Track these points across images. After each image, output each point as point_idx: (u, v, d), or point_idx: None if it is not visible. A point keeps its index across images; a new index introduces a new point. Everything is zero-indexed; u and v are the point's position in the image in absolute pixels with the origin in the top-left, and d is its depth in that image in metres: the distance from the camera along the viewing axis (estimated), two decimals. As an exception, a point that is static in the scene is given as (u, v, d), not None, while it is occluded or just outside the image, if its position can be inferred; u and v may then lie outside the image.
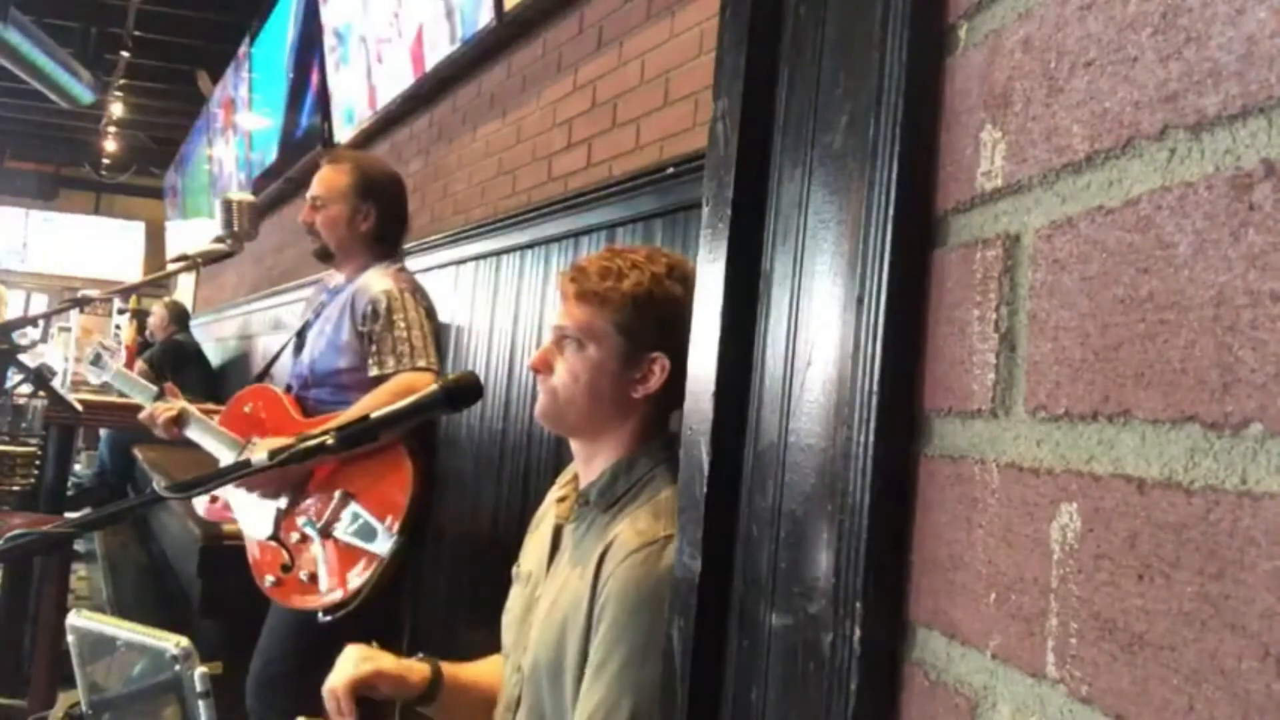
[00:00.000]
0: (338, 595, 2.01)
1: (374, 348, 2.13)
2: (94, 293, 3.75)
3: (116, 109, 8.93)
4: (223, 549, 3.00)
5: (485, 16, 2.98)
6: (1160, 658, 0.40)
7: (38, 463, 4.24)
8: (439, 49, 3.35)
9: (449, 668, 1.33)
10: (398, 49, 3.68)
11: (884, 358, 0.58)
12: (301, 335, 2.38)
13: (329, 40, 4.63)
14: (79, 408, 3.83)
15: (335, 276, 2.42)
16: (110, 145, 10.61)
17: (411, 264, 3.49)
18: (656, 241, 2.10)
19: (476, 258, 3.16)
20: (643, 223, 2.19)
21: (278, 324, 6.12)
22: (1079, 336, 0.47)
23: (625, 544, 1.11)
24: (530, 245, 2.78)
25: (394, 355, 2.11)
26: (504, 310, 2.93)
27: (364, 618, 2.00)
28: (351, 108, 4.41)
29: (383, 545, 1.99)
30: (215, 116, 7.87)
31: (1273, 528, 0.36)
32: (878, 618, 0.57)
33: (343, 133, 4.57)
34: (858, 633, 0.57)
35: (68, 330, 10.13)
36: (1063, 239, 0.49)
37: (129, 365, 6.55)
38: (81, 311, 9.56)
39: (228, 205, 2.59)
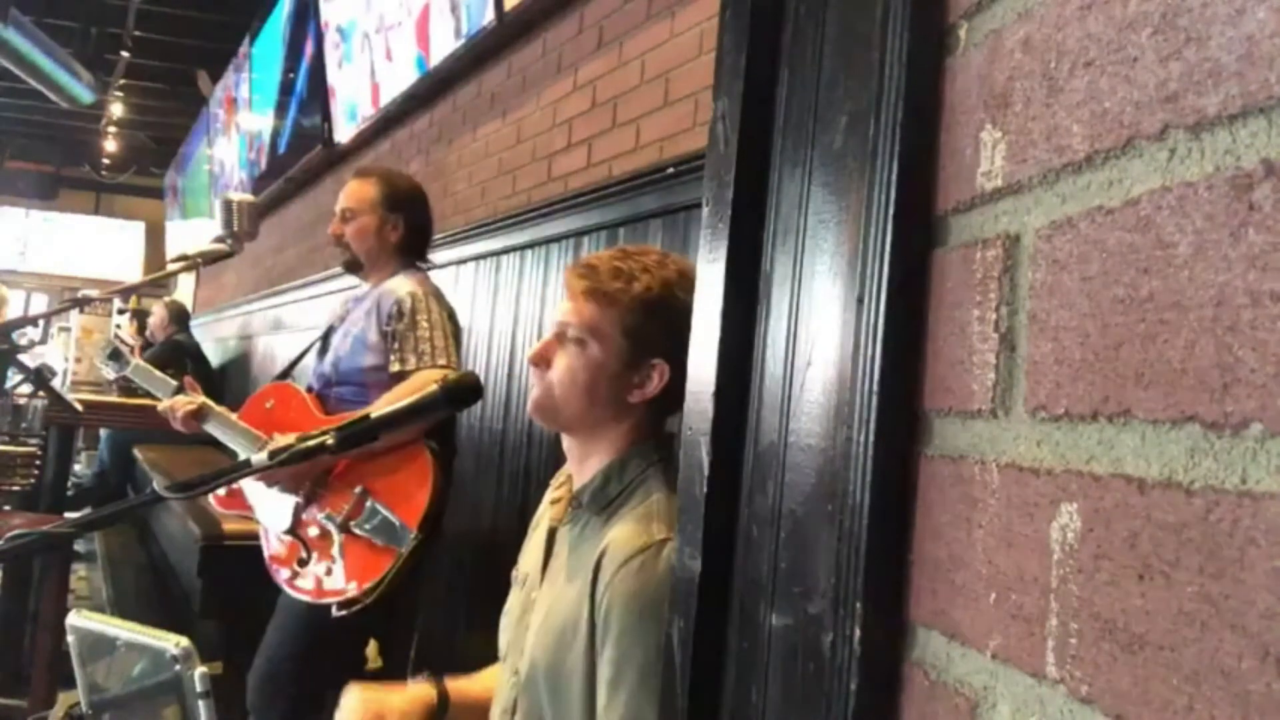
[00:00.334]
0: (354, 590, 2.02)
1: (396, 344, 2.18)
2: (94, 293, 3.76)
3: (116, 109, 8.94)
4: (223, 549, 3.01)
5: (486, 16, 2.98)
6: (1160, 658, 0.40)
7: (38, 463, 4.24)
8: (444, 43, 3.35)
9: (455, 686, 1.32)
10: (404, 33, 3.67)
11: (884, 358, 0.58)
12: (326, 339, 2.43)
13: (331, 38, 4.62)
14: (79, 408, 3.83)
15: (361, 288, 2.47)
16: (110, 145, 10.61)
17: (411, 264, 3.50)
18: (656, 242, 2.10)
19: (476, 258, 3.16)
20: (643, 223, 2.19)
21: (278, 324, 6.12)
22: (1079, 336, 0.47)
23: (620, 551, 1.10)
24: (530, 245, 2.78)
25: (415, 353, 2.16)
26: (504, 310, 2.93)
27: (375, 614, 2.02)
28: (354, 105, 4.40)
29: (402, 541, 2.01)
30: (215, 116, 7.87)
31: (1273, 528, 0.36)
32: (878, 618, 0.57)
33: (344, 131, 4.56)
34: (858, 633, 0.57)
35: (68, 330, 10.13)
36: (1063, 239, 0.49)
37: (121, 377, 6.55)
38: (81, 311, 9.56)
39: (228, 205, 2.59)
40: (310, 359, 2.49)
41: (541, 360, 1.23)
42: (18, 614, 3.06)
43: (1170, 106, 0.43)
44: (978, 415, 0.53)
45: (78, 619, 1.16)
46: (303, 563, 2.12)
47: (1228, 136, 0.40)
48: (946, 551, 0.55)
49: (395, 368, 2.16)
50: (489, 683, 1.37)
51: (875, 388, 0.58)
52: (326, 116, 4.71)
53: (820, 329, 0.65)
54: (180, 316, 6.98)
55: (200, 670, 1.03)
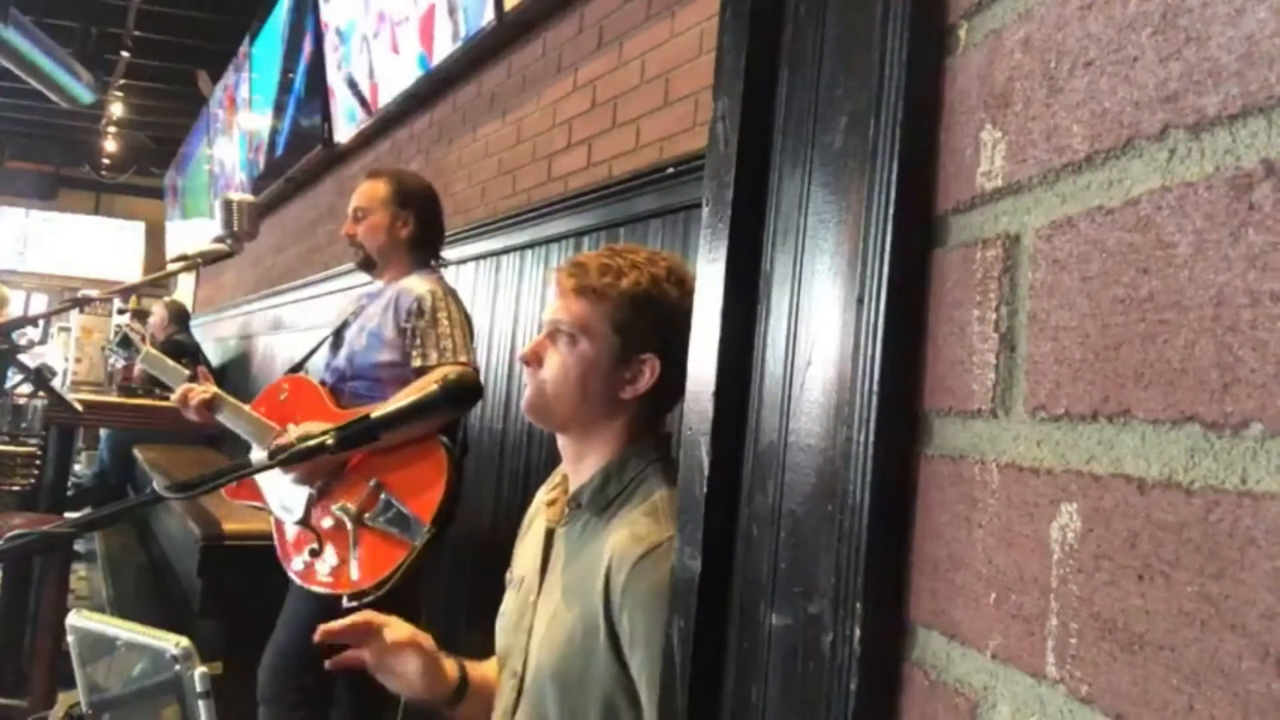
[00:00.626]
0: (366, 582, 2.03)
1: (417, 341, 2.21)
2: (94, 293, 3.76)
3: (116, 109, 8.93)
4: (223, 549, 3.01)
5: (486, 16, 2.98)
6: (1160, 658, 0.40)
7: (38, 463, 4.24)
8: (443, 44, 3.35)
9: (474, 671, 1.32)
10: (409, 30, 3.66)
11: (884, 358, 0.58)
12: (339, 334, 2.44)
13: (330, 40, 4.63)
14: (79, 408, 3.83)
15: (374, 285, 2.49)
16: (110, 145, 10.60)
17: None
18: (656, 242, 2.10)
19: (476, 258, 3.16)
20: (642, 223, 2.19)
21: (278, 324, 6.12)
22: (1079, 336, 0.47)
23: (631, 551, 1.10)
24: (530, 245, 2.79)
25: (437, 349, 2.18)
26: (504, 310, 2.93)
27: (383, 607, 2.03)
28: (353, 106, 4.41)
29: (415, 535, 2.02)
30: (215, 116, 7.86)
31: (1273, 528, 0.36)
32: (878, 618, 0.57)
33: (343, 132, 4.56)
34: (858, 633, 0.57)
35: (68, 330, 10.13)
36: (1063, 239, 0.49)
37: (130, 364, 6.55)
38: (81, 311, 9.56)
39: (228, 205, 2.60)
40: (322, 353, 2.50)
41: (534, 359, 1.23)
42: (18, 614, 3.06)
43: (1170, 106, 0.43)
44: (978, 415, 0.53)
45: (78, 619, 1.16)
46: (314, 553, 2.14)
47: (1228, 136, 0.40)
48: (946, 551, 0.55)
49: (417, 363, 2.19)
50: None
51: (875, 388, 0.58)
52: (326, 116, 4.71)
53: (820, 329, 0.65)
54: (180, 316, 6.98)
55: (200, 670, 1.03)
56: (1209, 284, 0.40)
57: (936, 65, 0.60)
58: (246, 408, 2.36)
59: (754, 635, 0.68)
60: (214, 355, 7.58)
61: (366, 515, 2.09)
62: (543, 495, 1.35)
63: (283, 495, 2.22)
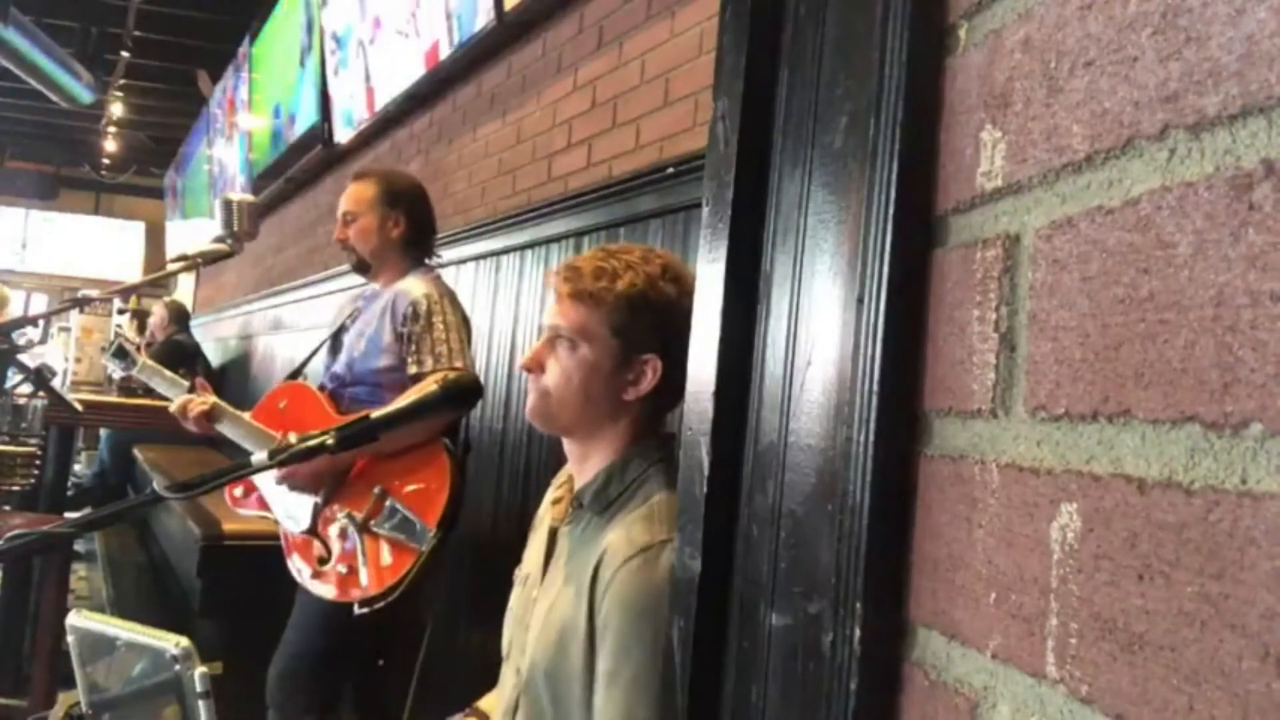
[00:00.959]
0: (376, 589, 2.04)
1: (413, 347, 2.19)
2: (94, 293, 3.75)
3: (116, 109, 8.93)
4: (223, 549, 3.01)
5: (485, 17, 2.98)
6: (1160, 658, 0.40)
7: (38, 463, 4.24)
8: (442, 45, 3.36)
9: (492, 708, 1.32)
10: (412, 45, 3.67)
11: (884, 358, 0.58)
12: (337, 338, 2.43)
13: (328, 44, 4.64)
14: (79, 408, 3.83)
15: (371, 287, 2.48)
16: (110, 145, 10.60)
17: (411, 264, 3.50)
18: (656, 242, 2.10)
19: (476, 258, 3.16)
20: (642, 223, 2.19)
21: (278, 324, 6.12)
22: (1079, 336, 0.47)
23: (621, 551, 1.11)
24: (530, 245, 2.79)
25: (432, 355, 2.17)
26: (504, 310, 2.93)
27: (388, 616, 2.03)
28: (350, 110, 4.42)
29: (422, 540, 2.02)
30: (215, 116, 7.86)
31: (1273, 528, 0.36)
32: (878, 618, 0.57)
33: (343, 134, 4.57)
34: (858, 633, 0.57)
35: (68, 330, 10.13)
36: (1063, 239, 0.49)
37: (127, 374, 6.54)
38: (81, 311, 9.56)
39: (228, 205, 2.59)
40: (320, 357, 2.49)
41: (535, 366, 1.23)
42: (18, 614, 3.06)
43: (1170, 106, 0.43)
44: (978, 415, 0.53)
45: (78, 619, 1.16)
46: (323, 561, 2.14)
47: (1228, 136, 0.40)
48: (946, 551, 0.55)
49: (413, 370, 2.17)
50: None
51: (875, 388, 0.58)
52: (327, 116, 4.71)
53: (820, 329, 0.65)
54: (180, 316, 6.98)
55: (200, 670, 1.03)
56: (1209, 284, 0.40)
57: (936, 65, 0.60)
58: (246, 416, 2.34)
59: (754, 635, 0.68)
60: (214, 355, 7.58)
61: (373, 522, 2.09)
62: (550, 494, 1.36)
63: (288, 505, 2.21)
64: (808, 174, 0.69)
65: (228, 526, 3.06)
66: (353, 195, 2.39)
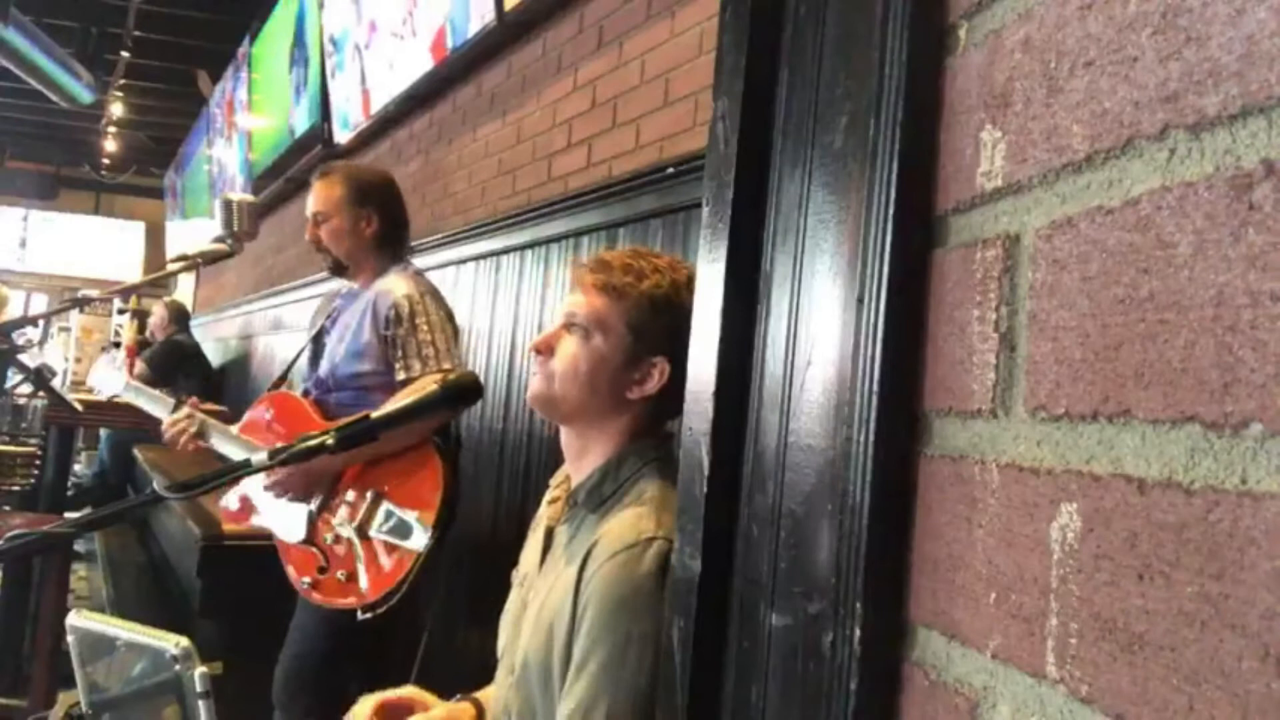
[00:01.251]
0: (376, 593, 2.03)
1: (399, 352, 2.16)
2: (94, 293, 3.76)
3: (116, 109, 8.93)
4: (223, 549, 3.00)
5: (484, 18, 2.98)
6: (1160, 658, 0.40)
7: (38, 463, 4.24)
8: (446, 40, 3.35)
9: (489, 700, 1.33)
10: (409, 45, 3.66)
11: (884, 358, 0.58)
12: (318, 342, 2.40)
13: (326, 47, 4.66)
14: (79, 408, 3.83)
15: (348, 285, 2.45)
16: (110, 145, 10.60)
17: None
18: (656, 242, 2.10)
19: (476, 258, 3.16)
20: (642, 223, 2.19)
21: (278, 324, 6.12)
22: (1079, 336, 0.47)
23: (608, 546, 1.12)
24: (530, 245, 2.78)
25: (419, 359, 2.14)
26: (504, 310, 2.93)
27: (390, 615, 2.03)
28: (346, 113, 4.44)
29: (419, 541, 2.01)
30: (215, 116, 7.86)
31: (1273, 528, 0.36)
32: (878, 618, 0.57)
33: (342, 134, 4.57)
34: (858, 633, 0.57)
35: (68, 330, 10.13)
36: (1063, 239, 0.49)
37: (129, 365, 6.54)
38: (81, 311, 9.57)
39: (228, 205, 2.59)
40: (303, 362, 2.46)
41: (545, 349, 1.24)
42: (18, 614, 3.06)
43: (1170, 106, 0.43)
44: (978, 415, 0.53)
45: (78, 619, 1.16)
46: (322, 570, 2.13)
47: (1228, 136, 0.40)
48: (946, 551, 0.55)
49: (401, 375, 2.15)
50: None
51: (875, 388, 0.58)
52: (326, 116, 4.72)
53: (820, 329, 0.65)
54: (180, 316, 6.98)
55: (200, 670, 1.03)
56: (1209, 284, 0.40)
57: (936, 65, 0.60)
58: (234, 430, 2.31)
59: (754, 635, 0.68)
60: (214, 355, 7.58)
61: (369, 527, 2.08)
62: (548, 494, 1.36)
63: (283, 516, 2.20)
64: (808, 174, 0.69)
65: (228, 526, 3.06)
66: (321, 195, 2.33)
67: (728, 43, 0.80)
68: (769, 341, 0.72)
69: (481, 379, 1.34)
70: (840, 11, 0.68)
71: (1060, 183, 0.49)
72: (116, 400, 2.77)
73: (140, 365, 6.32)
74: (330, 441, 1.19)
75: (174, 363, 6.35)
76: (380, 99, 3.98)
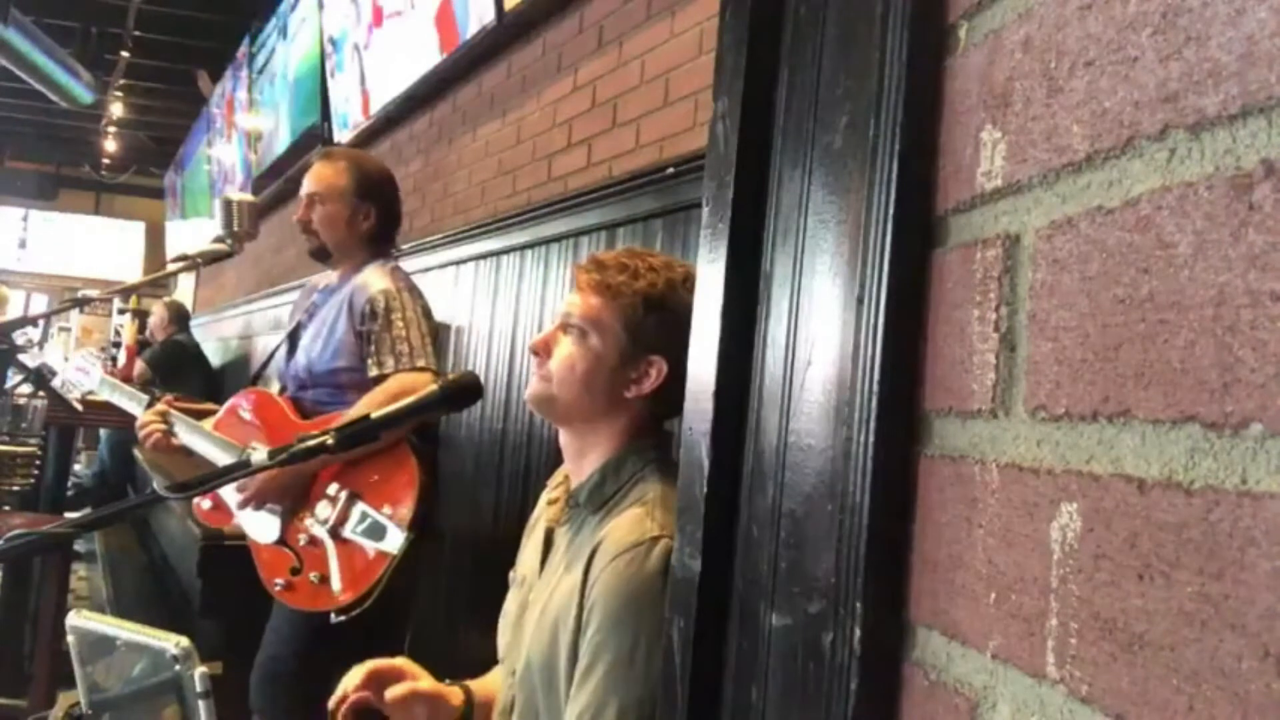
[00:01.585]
0: (349, 596, 2.00)
1: (372, 348, 2.12)
2: (94, 293, 3.76)
3: (116, 109, 8.93)
4: (223, 549, 3.00)
5: (484, 18, 2.98)
6: (1160, 658, 0.40)
7: (38, 463, 4.24)
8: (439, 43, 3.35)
9: (479, 689, 1.32)
10: (415, 24, 3.62)
11: (884, 358, 0.58)
12: (294, 337, 2.35)
13: (325, 47, 4.66)
14: (79, 408, 3.83)
15: (325, 277, 2.40)
16: (110, 145, 10.60)
17: (411, 264, 3.49)
18: (656, 242, 2.10)
19: (476, 258, 3.16)
20: (643, 223, 2.19)
21: (278, 324, 6.12)
22: (1079, 336, 0.47)
23: (612, 546, 1.11)
24: (530, 245, 2.78)
25: (393, 355, 2.10)
26: (504, 310, 2.93)
27: (370, 616, 2.00)
28: (345, 114, 4.44)
29: (393, 543, 1.99)
30: (215, 116, 7.86)
31: (1273, 528, 0.36)
32: (878, 618, 0.57)
33: (342, 134, 4.58)
34: (858, 633, 0.57)
35: (68, 330, 10.13)
36: (1063, 239, 0.49)
37: (129, 365, 6.54)
38: (81, 311, 9.57)
39: (228, 205, 2.58)
40: (279, 358, 2.40)
41: (542, 349, 1.25)
42: (18, 614, 3.06)
43: (1170, 106, 0.43)
44: (978, 415, 0.53)
45: (78, 619, 1.16)
46: (295, 571, 2.09)
47: (1228, 136, 0.40)
48: (946, 551, 0.55)
49: (374, 372, 2.09)
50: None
51: (875, 388, 0.58)
52: (326, 116, 4.72)
53: (820, 329, 0.65)
54: (180, 316, 6.98)
55: (200, 670, 1.03)
56: (1209, 284, 0.40)
57: (936, 65, 0.60)
58: (206, 426, 2.27)
59: (754, 635, 0.68)
60: (214, 355, 7.58)
61: (342, 528, 2.04)
62: (546, 494, 1.36)
63: (256, 516, 2.16)
64: (808, 174, 0.69)
65: (228, 526, 3.06)
66: (323, 177, 2.27)
67: (728, 43, 0.80)
68: (769, 341, 0.72)
69: (481, 379, 1.33)
70: (840, 11, 0.68)
71: (1060, 183, 0.49)
72: (91, 398, 2.75)
73: (141, 365, 6.32)
74: (330, 442, 1.19)
75: (175, 363, 6.35)
76: (382, 98, 3.97)
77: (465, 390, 1.31)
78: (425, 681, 1.28)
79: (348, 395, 2.16)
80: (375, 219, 2.28)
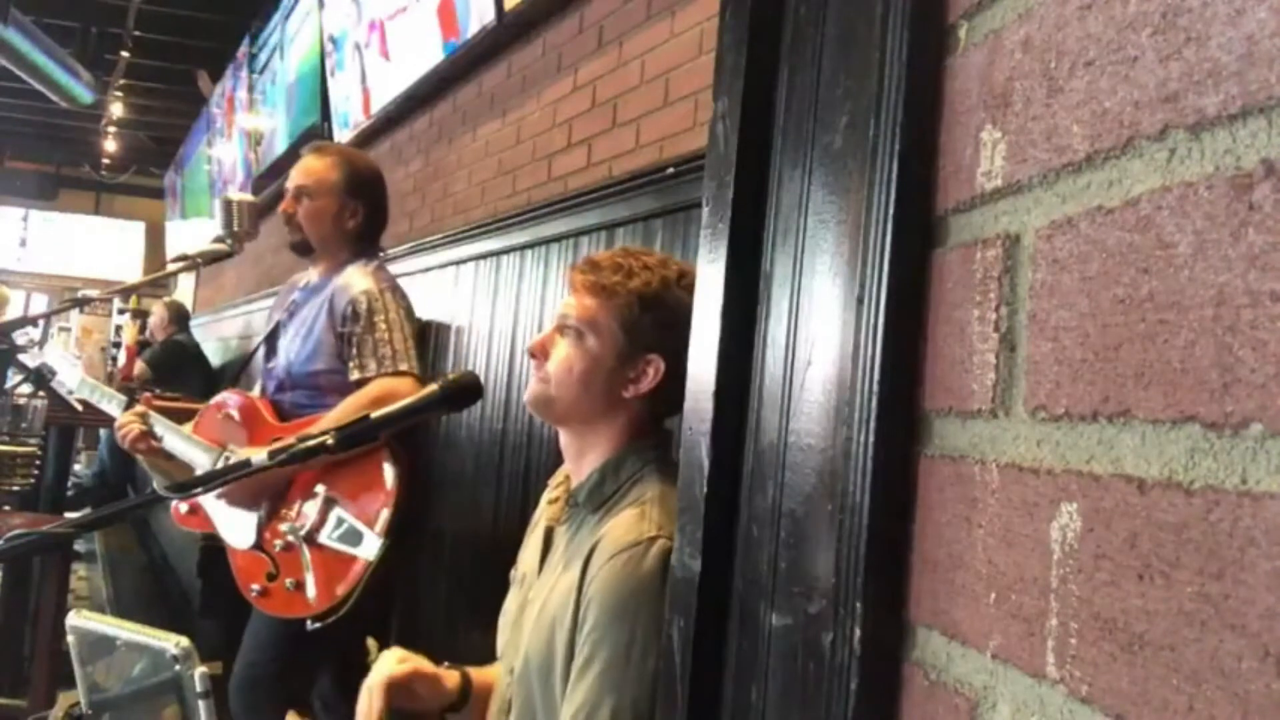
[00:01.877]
0: (324, 603, 1.97)
1: (354, 350, 2.08)
2: (94, 293, 3.76)
3: (116, 109, 8.93)
4: (223, 549, 3.00)
5: (484, 18, 2.98)
6: (1160, 658, 0.40)
7: (38, 463, 4.24)
8: (437, 47, 3.35)
9: (476, 675, 1.32)
10: (423, 16, 3.60)
11: (884, 358, 0.58)
12: (273, 337, 2.32)
13: (325, 46, 4.66)
14: (79, 408, 3.83)
15: (306, 275, 2.36)
16: (110, 145, 10.60)
17: (411, 264, 3.50)
18: (656, 242, 2.10)
19: (476, 258, 3.16)
20: (643, 223, 2.19)
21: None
22: (1079, 336, 0.47)
23: (611, 545, 1.12)
24: (530, 245, 2.78)
25: (375, 359, 2.06)
26: (504, 310, 2.93)
27: (350, 621, 1.97)
28: (346, 113, 4.44)
29: (369, 549, 1.95)
30: (215, 116, 7.86)
31: (1273, 528, 0.36)
32: (878, 618, 0.57)
33: (342, 134, 4.58)
34: (858, 633, 0.57)
35: (68, 330, 10.13)
36: (1063, 239, 0.49)
37: (129, 365, 6.54)
38: (81, 311, 9.57)
39: (228, 205, 2.58)
40: (258, 359, 2.37)
41: (540, 352, 1.25)
42: (18, 614, 3.06)
43: (1170, 106, 0.43)
44: (978, 415, 0.53)
45: (78, 619, 1.16)
46: (271, 577, 2.06)
47: (1228, 136, 0.40)
48: (946, 551, 0.55)
49: (355, 375, 2.06)
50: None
51: (875, 388, 0.58)
52: (326, 116, 4.72)
53: (820, 329, 0.65)
54: (180, 316, 6.98)
55: (200, 670, 1.03)
56: (1209, 284, 0.40)
57: (936, 65, 0.60)
58: (186, 430, 2.24)
59: (754, 635, 0.68)
60: (214, 355, 7.57)
61: (319, 534, 2.01)
62: (547, 494, 1.36)
63: (233, 521, 2.13)
64: (808, 174, 0.69)
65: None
66: (312, 171, 2.23)
67: (727, 43, 0.80)
68: (769, 341, 0.72)
69: (481, 379, 1.33)
70: (840, 11, 0.68)
71: (1060, 183, 0.49)
72: (132, 366, 2.75)
73: (141, 366, 6.32)
74: (330, 442, 1.19)
75: (175, 363, 6.35)
76: (380, 95, 3.97)
77: (465, 390, 1.31)
78: (425, 664, 1.28)
79: (327, 398, 2.12)
80: (362, 218, 2.24)
